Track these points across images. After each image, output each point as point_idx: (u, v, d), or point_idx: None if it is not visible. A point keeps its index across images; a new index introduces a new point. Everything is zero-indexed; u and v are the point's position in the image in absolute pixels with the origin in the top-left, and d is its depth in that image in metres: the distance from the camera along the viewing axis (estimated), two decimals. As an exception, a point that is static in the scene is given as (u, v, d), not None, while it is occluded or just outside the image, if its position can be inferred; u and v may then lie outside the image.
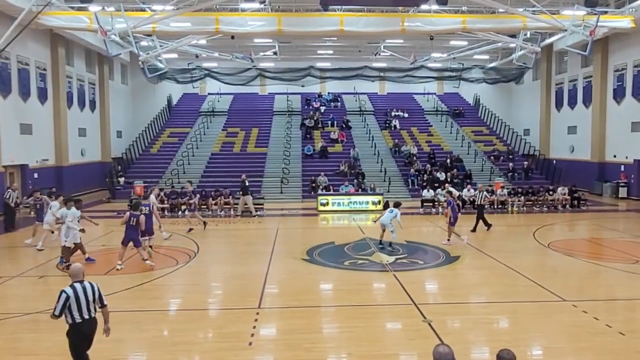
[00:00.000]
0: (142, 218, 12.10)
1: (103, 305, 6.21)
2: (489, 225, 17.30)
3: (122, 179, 27.19)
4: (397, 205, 14.73)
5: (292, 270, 12.00)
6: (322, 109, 36.56)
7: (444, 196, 16.10)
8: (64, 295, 5.91)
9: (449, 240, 15.03)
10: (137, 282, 10.95)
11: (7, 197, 17.88)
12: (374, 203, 22.98)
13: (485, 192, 18.40)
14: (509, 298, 9.93)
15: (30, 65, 24.00)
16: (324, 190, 24.68)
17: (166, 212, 21.51)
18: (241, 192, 21.49)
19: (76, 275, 6.15)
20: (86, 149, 29.76)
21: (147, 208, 13.64)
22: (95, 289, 6.14)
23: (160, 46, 27.02)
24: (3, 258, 13.73)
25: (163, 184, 25.74)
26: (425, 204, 23.01)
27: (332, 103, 37.90)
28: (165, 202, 21.57)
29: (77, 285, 6.03)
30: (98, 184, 29.95)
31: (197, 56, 30.50)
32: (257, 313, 8.97)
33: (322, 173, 26.26)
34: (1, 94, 21.59)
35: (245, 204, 21.39)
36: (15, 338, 7.94)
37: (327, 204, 22.90)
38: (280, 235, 16.79)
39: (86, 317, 6.00)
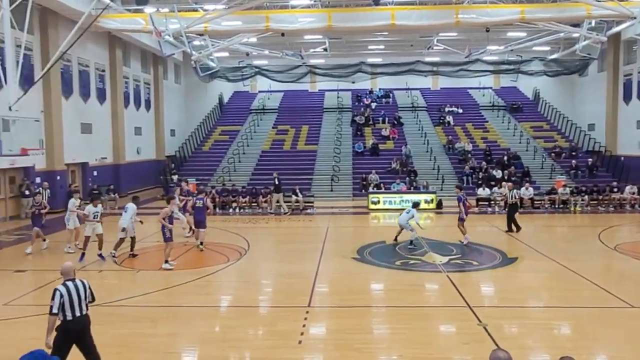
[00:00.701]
0: (208, 201, 13.94)
1: (93, 300, 6.54)
2: (518, 227, 16.67)
3: (175, 177, 28.12)
4: (414, 205, 15.09)
5: (342, 269, 12.01)
6: (373, 105, 36.35)
7: (455, 192, 15.79)
8: (58, 293, 6.15)
9: (465, 237, 14.76)
10: (190, 278, 11.31)
11: (38, 193, 18.50)
12: (426, 202, 22.62)
13: (515, 191, 17.44)
14: (571, 303, 9.53)
15: (90, 66, 25.28)
16: (375, 189, 24.54)
17: (217, 210, 22.09)
18: (273, 190, 21.89)
19: (67, 273, 6.39)
20: (142, 147, 31.00)
21: (201, 201, 14.47)
22: (87, 286, 6.41)
23: (212, 45, 27.71)
24: (62, 252, 14.54)
25: (214, 181, 26.43)
26: (480, 202, 22.44)
27: (383, 99, 37.63)
28: (217, 199, 22.17)
29: (70, 284, 6.27)
30: (153, 181, 31.14)
31: (247, 54, 31.03)
32: (307, 312, 9.05)
33: (373, 171, 26.10)
34: (64, 95, 22.85)
35: (277, 202, 21.73)
36: (77, 329, 8.39)
37: (378, 202, 22.76)
38: (331, 233, 16.84)
39: (77, 314, 6.21)
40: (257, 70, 32.44)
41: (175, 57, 33.98)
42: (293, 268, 12.27)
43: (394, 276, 11.50)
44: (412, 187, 24.49)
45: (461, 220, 14.97)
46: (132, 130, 29.89)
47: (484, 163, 27.06)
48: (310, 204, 22.57)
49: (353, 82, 33.00)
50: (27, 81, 18.61)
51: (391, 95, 38.06)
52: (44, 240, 14.63)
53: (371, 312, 9.21)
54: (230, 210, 22.18)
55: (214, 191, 22.50)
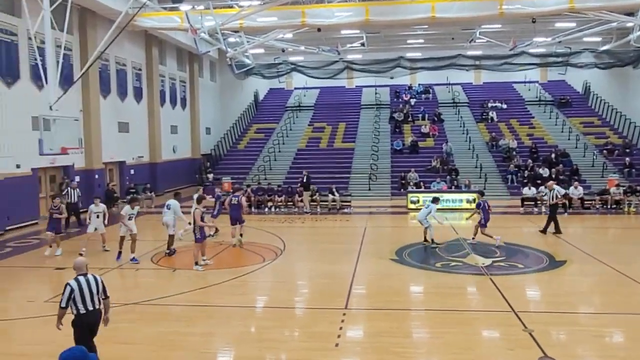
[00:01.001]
0: (243, 199, 14.78)
1: (106, 297, 6.71)
2: (558, 230, 16.16)
3: (210, 175, 28.65)
4: (434, 200, 15.16)
5: (380, 271, 11.98)
6: (413, 101, 36.04)
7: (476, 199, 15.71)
8: (68, 288, 6.44)
9: (473, 238, 14.99)
10: (226, 278, 11.50)
11: (64, 193, 18.47)
12: (468, 201, 22.25)
13: (556, 190, 16.71)
14: (625, 309, 9.18)
15: (127, 65, 26.04)
16: (414, 188, 24.37)
17: (253, 209, 22.36)
18: (302, 188, 22.22)
19: (80, 268, 6.66)
20: (177, 146, 31.72)
21: (237, 199, 15.03)
22: (99, 281, 6.64)
23: (247, 42, 28.07)
24: (99, 250, 15.03)
25: (250, 180, 26.76)
26: (526, 202, 21.88)
27: (423, 95, 37.25)
28: (252, 198, 22.45)
29: (81, 279, 6.55)
30: (188, 180, 31.81)
31: (283, 50, 31.28)
32: (344, 314, 9.06)
33: (413, 169, 25.90)
34: (102, 94, 23.64)
35: (301, 200, 22.14)
36: (115, 327, 8.60)
37: (418, 201, 22.54)
38: (368, 233, 16.81)
39: (90, 308, 6.49)
40: (292, 66, 32.65)
41: (211, 55, 34.59)
42: (330, 269, 12.31)
43: (434, 278, 11.39)
44: (453, 186, 24.14)
45: (482, 226, 14.81)
46: (168, 128, 30.60)
47: (529, 161, 26.39)
48: (347, 204, 22.57)
49: (391, 78, 32.80)
50: (66, 81, 19.31)
51: (431, 90, 37.65)
52: (51, 246, 14.07)
53: (410, 315, 9.15)
54: (266, 209, 22.41)
55: (249, 190, 22.79)
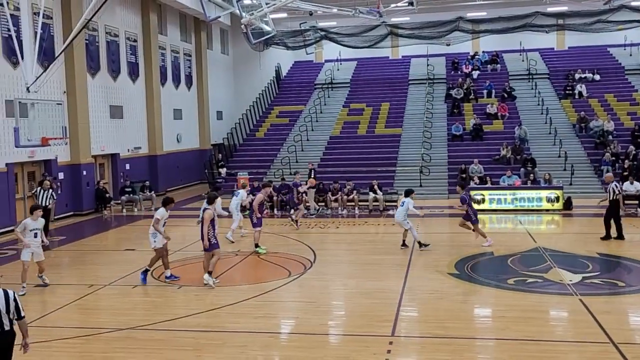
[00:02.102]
0: (257, 197, 15.66)
1: (20, 317, 6.72)
2: (620, 235, 15.83)
3: (223, 170, 28.90)
4: (407, 193, 15.76)
5: (436, 289, 11.87)
6: (475, 74, 35.62)
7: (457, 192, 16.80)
8: None
9: (487, 240, 15.67)
10: (243, 296, 11.55)
11: (33, 193, 18.62)
12: (549, 200, 21.83)
13: (614, 185, 16.31)
14: None
15: (119, 36, 26.49)
16: (478, 183, 24.08)
17: (275, 211, 22.43)
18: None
19: None
20: (182, 135, 32.13)
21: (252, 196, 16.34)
22: (11, 298, 6.64)
23: (267, 4, 28.13)
24: (88, 263, 15.31)
25: (271, 175, 26.88)
26: (627, 201, 21.20)
27: (488, 65, 36.81)
28: (275, 198, 22.51)
29: None
30: (196, 176, 32.18)
31: (310, 14, 31.23)
32: (391, 342, 8.98)
33: (476, 160, 25.64)
34: (89, 72, 24.11)
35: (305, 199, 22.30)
36: (107, 357, 8.81)
37: (483, 200, 22.26)
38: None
39: None
40: (323, 33, 32.60)
41: (222, 21, 34.88)
42: (372, 286, 12.24)
43: (505, 298, 11.20)
44: (528, 181, 23.72)
45: (475, 222, 15.66)
46: (171, 113, 31.03)
47: (631, 147, 25.69)
48: (392, 204, 22.42)
49: (448, 45, 32.47)
50: (47, 56, 19.75)
51: (499, 59, 37.16)
52: None
53: (475, 345, 9.01)
54: (292, 211, 22.41)
55: (270, 189, 22.81)
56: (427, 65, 36.54)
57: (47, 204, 17.92)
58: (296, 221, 19.37)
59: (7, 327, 6.61)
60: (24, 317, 6.83)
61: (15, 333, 6.77)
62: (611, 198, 16.14)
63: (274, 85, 38.30)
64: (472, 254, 14.78)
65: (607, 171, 24.64)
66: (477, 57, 37.46)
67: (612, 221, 15.99)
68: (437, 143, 28.91)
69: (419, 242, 15.43)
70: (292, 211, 20.04)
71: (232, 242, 16.67)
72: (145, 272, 12.87)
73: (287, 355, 8.78)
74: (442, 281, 12.42)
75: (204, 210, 12.58)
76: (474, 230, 15.86)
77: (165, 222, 12.93)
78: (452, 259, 14.27)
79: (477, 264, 13.83)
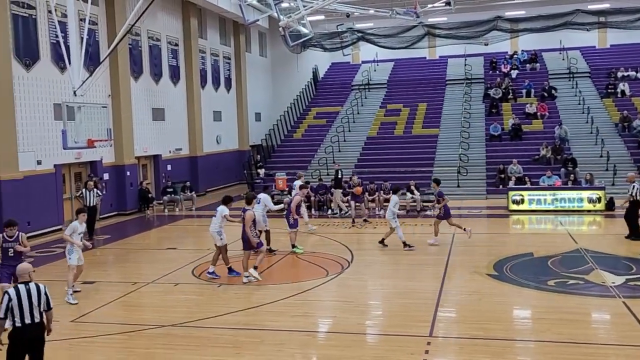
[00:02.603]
0: (296, 198, 16.08)
1: (49, 309, 7.13)
2: (636, 234, 15.62)
3: (261, 171, 29.09)
4: (395, 191, 16.16)
5: (475, 290, 11.75)
6: (514, 73, 35.09)
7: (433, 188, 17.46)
8: (6, 296, 6.89)
9: (435, 239, 16.10)
10: (282, 295, 11.62)
11: (79, 195, 19.18)
12: (591, 201, 21.37)
13: (636, 183, 15.97)
14: None
15: (161, 40, 26.93)
16: (517, 183, 23.76)
17: (313, 211, 22.47)
18: (333, 185, 22.23)
19: (21, 275, 7.11)
20: (222, 136, 32.47)
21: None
22: (42, 292, 7.04)
23: (304, 7, 28.19)
24: (131, 261, 15.61)
25: (309, 175, 26.93)
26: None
27: (527, 65, 36.24)
28: (312, 198, 22.56)
29: (22, 287, 6.96)
30: (235, 176, 32.48)
31: (348, 15, 31.12)
32: (428, 343, 8.93)
33: (515, 160, 25.30)
34: (132, 76, 24.58)
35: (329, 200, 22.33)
36: (149, 353, 8.96)
37: (522, 201, 21.93)
38: (458, 242, 16.53)
39: (27, 321, 6.84)
40: (360, 35, 32.56)
41: (260, 25, 35.12)
42: (409, 286, 12.21)
43: (545, 300, 11.02)
44: (569, 181, 23.26)
45: (440, 218, 16.22)
46: (211, 115, 31.39)
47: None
48: (430, 204, 22.22)
49: (486, 44, 32.07)
50: (92, 61, 20.21)
51: (539, 58, 36.53)
52: None
53: (514, 347, 8.88)
54: (329, 211, 22.46)
55: (307, 190, 22.88)
56: (465, 65, 36.14)
57: (94, 203, 18.46)
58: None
59: (37, 320, 6.95)
60: (52, 308, 7.21)
61: (45, 325, 7.12)
62: (635, 198, 15.88)
63: (312, 87, 38.39)
64: (511, 254, 14.59)
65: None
66: (515, 56, 36.89)
67: None
68: (475, 143, 28.56)
69: (404, 243, 15.51)
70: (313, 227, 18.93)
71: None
72: (230, 270, 13.17)
73: (324, 354, 8.80)
74: (481, 282, 12.27)
75: (244, 211, 12.67)
76: (450, 224, 16.26)
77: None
78: (490, 259, 14.11)
79: (517, 265, 13.62)
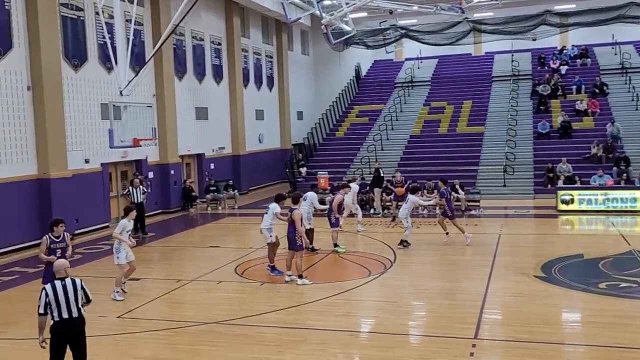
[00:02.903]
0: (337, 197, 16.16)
1: (88, 301, 7.40)
2: None
3: (303, 169, 29.24)
4: (413, 191, 16.47)
5: (521, 291, 11.60)
6: (564, 69, 34.36)
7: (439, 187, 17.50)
8: (43, 293, 7.14)
9: (447, 234, 16.26)
10: (324, 294, 11.68)
11: (126, 192, 19.60)
12: (644, 201, 20.79)
13: None
14: None
15: (204, 40, 27.32)
16: (566, 183, 23.30)
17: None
18: (374, 184, 22.02)
19: (58, 271, 7.33)
20: (264, 135, 32.75)
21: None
22: (78, 286, 7.25)
23: (347, 4, 28.21)
24: (175, 259, 15.90)
25: (351, 174, 26.91)
26: None
27: (577, 60, 35.42)
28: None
29: (58, 283, 7.19)
30: (277, 175, 32.71)
31: (391, 12, 31.04)
32: (474, 345, 8.86)
33: (564, 159, 24.84)
34: (177, 75, 25.01)
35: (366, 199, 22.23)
36: (193, 350, 9.13)
37: (572, 201, 21.49)
38: (504, 242, 16.38)
39: (65, 316, 7.06)
40: (403, 32, 32.37)
41: (302, 23, 35.27)
42: (453, 287, 12.13)
43: (596, 303, 10.81)
44: (622, 181, 22.66)
45: (451, 217, 16.25)
46: (253, 114, 31.70)
47: None
48: (475, 204, 22.03)
49: (534, 40, 31.52)
50: (138, 61, 20.66)
51: (590, 54, 35.67)
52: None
53: (563, 351, 8.71)
54: (371, 210, 22.41)
55: (349, 189, 22.90)
56: (512, 61, 35.53)
57: (140, 200, 18.96)
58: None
59: (75, 314, 7.16)
60: (91, 300, 7.47)
61: (85, 319, 7.32)
62: None
63: (354, 85, 38.35)
64: (559, 256, 14.33)
65: None
66: (565, 51, 36.09)
67: None
68: (522, 141, 28.11)
69: (403, 240, 15.74)
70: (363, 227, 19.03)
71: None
72: (272, 269, 13.32)
73: (366, 354, 8.81)
74: (528, 284, 12.09)
75: (291, 210, 12.73)
76: (446, 227, 16.29)
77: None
78: (538, 261, 13.89)
79: (566, 266, 13.37)
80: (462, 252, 15.43)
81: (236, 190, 26.09)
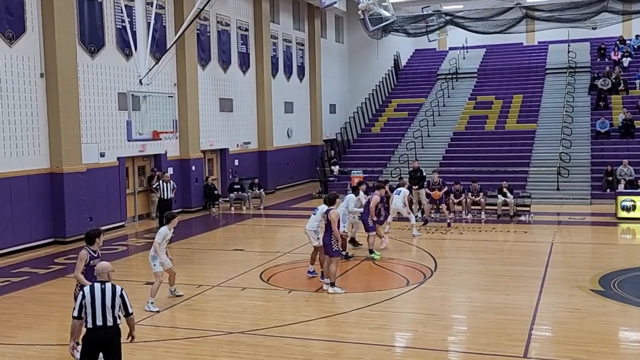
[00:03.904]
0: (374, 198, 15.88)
1: (128, 314, 7.29)
2: None
3: (336, 168, 29.23)
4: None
5: (576, 306, 11.44)
6: (626, 61, 33.80)
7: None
8: (80, 294, 7.14)
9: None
10: (357, 305, 11.67)
11: (155, 187, 20.39)
12: None
13: None
14: None
15: (230, 25, 27.51)
16: (627, 187, 23.01)
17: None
18: (416, 184, 21.84)
19: (100, 274, 7.34)
20: (293, 129, 32.85)
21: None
22: (118, 294, 7.16)
23: (386, -13, 28.17)
24: (196, 262, 16.03)
25: (388, 174, 26.86)
26: None
27: (642, 51, 34.79)
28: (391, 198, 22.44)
29: (97, 286, 7.16)
30: (306, 173, 32.77)
31: (434, -4, 30.99)
32: (522, 364, 8.76)
33: (625, 161, 24.47)
34: (200, 63, 25.23)
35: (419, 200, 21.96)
36: (215, 361, 9.19)
37: (634, 208, 21.12)
38: (557, 252, 16.17)
39: (99, 323, 6.96)
40: (448, 18, 32.16)
41: (337, 7, 35.28)
42: (500, 300, 12.01)
43: (660, 322, 10.59)
44: (691, 186, 22.20)
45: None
46: (282, 106, 31.82)
47: None
48: (525, 209, 21.78)
49: (594, 29, 31.02)
50: (159, 48, 20.90)
51: (656, 44, 34.97)
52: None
53: (624, 373, 8.55)
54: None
55: (387, 188, 22.79)
56: (568, 52, 35.02)
57: (170, 196, 19.53)
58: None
59: (109, 323, 7.11)
60: (131, 313, 7.37)
61: (120, 330, 7.29)
62: None
63: (392, 76, 38.21)
64: (619, 268, 14.12)
65: None
66: (628, 42, 35.48)
67: None
68: (579, 141, 27.71)
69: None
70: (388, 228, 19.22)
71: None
72: (312, 271, 13.60)
73: (404, 371, 8.78)
74: (584, 298, 11.93)
75: (327, 212, 12.71)
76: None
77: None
78: (595, 273, 13.69)
79: (626, 280, 13.15)
80: (510, 262, 15.30)
81: (262, 189, 26.18)
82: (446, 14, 32.38)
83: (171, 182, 19.98)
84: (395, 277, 13.84)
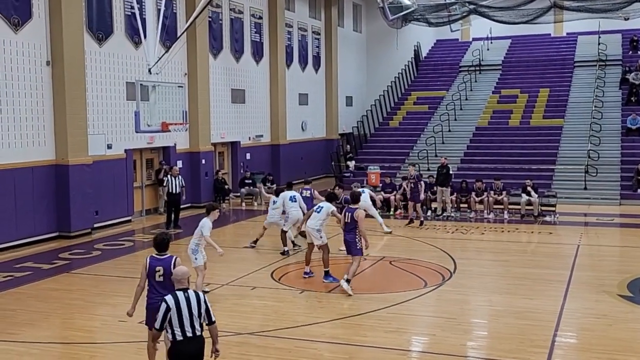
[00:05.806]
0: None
1: (211, 322, 6.98)
2: None
3: (351, 163, 29.21)
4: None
5: (603, 312, 11.38)
6: (659, 54, 33.47)
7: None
8: (164, 305, 6.74)
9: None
10: (373, 307, 11.65)
11: (165, 184, 20.38)
12: None
13: None
14: None
15: (244, 13, 27.54)
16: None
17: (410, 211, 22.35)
18: (440, 182, 21.91)
19: (179, 281, 7.00)
20: (308, 122, 32.85)
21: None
22: (202, 300, 6.89)
23: (407, -26, 28.09)
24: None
25: (406, 170, 26.76)
26: None
27: (677, 44, 34.42)
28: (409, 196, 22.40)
29: (180, 295, 6.83)
30: (320, 168, 32.76)
31: (458, -16, 30.85)
32: (545, 372, 8.72)
33: (657, 159, 24.18)
34: (211, 52, 25.28)
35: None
36: (223, 362, 9.20)
37: (665, 209, 20.94)
38: (583, 255, 16.10)
39: (189, 334, 6.71)
40: (471, 7, 32.01)
41: (355, -5, 35.26)
42: (522, 304, 11.95)
43: (693, 329, 10.51)
44: None
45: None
46: (296, 98, 31.84)
47: None
48: (550, 209, 21.66)
49: (626, 19, 30.90)
50: (169, 36, 20.95)
51: (691, 36, 34.63)
52: None
53: (653, 383, 8.49)
54: (429, 212, 22.25)
55: (404, 184, 22.77)
56: (599, 44, 34.79)
57: (178, 190, 19.68)
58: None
59: (198, 332, 6.87)
60: (214, 321, 7.08)
61: (205, 339, 7.01)
62: None
63: (412, 68, 38.15)
64: (649, 273, 14.00)
65: None
66: (662, 33, 35.22)
67: None
68: (608, 138, 27.54)
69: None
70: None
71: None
72: (326, 275, 13.33)
73: (421, 377, 8.77)
74: (611, 304, 11.85)
75: (351, 211, 12.61)
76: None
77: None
78: (623, 278, 13.59)
79: (657, 285, 13.06)
80: (534, 265, 15.21)
81: (275, 185, 26.19)
82: (470, 2, 32.18)
83: (180, 177, 20.04)
84: (412, 279, 13.77)
